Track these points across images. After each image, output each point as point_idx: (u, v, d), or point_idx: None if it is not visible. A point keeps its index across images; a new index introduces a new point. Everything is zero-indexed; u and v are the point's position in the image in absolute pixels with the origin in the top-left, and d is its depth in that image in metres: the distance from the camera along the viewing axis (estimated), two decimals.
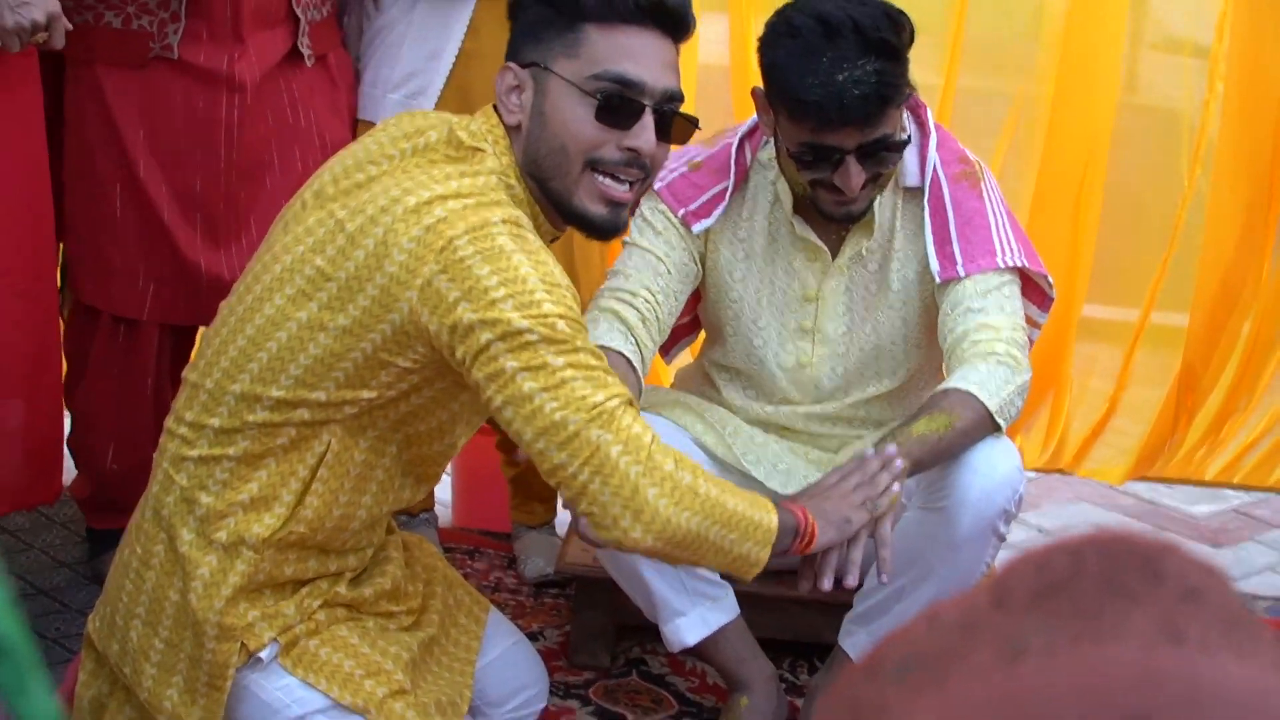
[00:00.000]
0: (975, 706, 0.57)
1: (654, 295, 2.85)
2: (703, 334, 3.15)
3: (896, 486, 2.44)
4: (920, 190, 2.87)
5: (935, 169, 2.85)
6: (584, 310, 3.31)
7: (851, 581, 2.40)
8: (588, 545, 2.88)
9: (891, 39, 2.62)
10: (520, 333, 2.11)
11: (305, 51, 3.12)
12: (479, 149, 2.28)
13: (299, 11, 3.09)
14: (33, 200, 2.99)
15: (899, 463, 2.46)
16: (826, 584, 2.40)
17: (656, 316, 2.85)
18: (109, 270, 3.08)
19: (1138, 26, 3.85)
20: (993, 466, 2.66)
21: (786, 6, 2.71)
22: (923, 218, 2.86)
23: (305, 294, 2.24)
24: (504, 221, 2.17)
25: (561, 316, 2.14)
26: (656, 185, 2.88)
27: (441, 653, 2.55)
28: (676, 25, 2.32)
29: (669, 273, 2.88)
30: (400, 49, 3.25)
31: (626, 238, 2.88)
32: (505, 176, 2.27)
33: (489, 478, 3.63)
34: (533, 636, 3.25)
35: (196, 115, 3.01)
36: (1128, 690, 0.55)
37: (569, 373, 2.13)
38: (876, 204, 2.85)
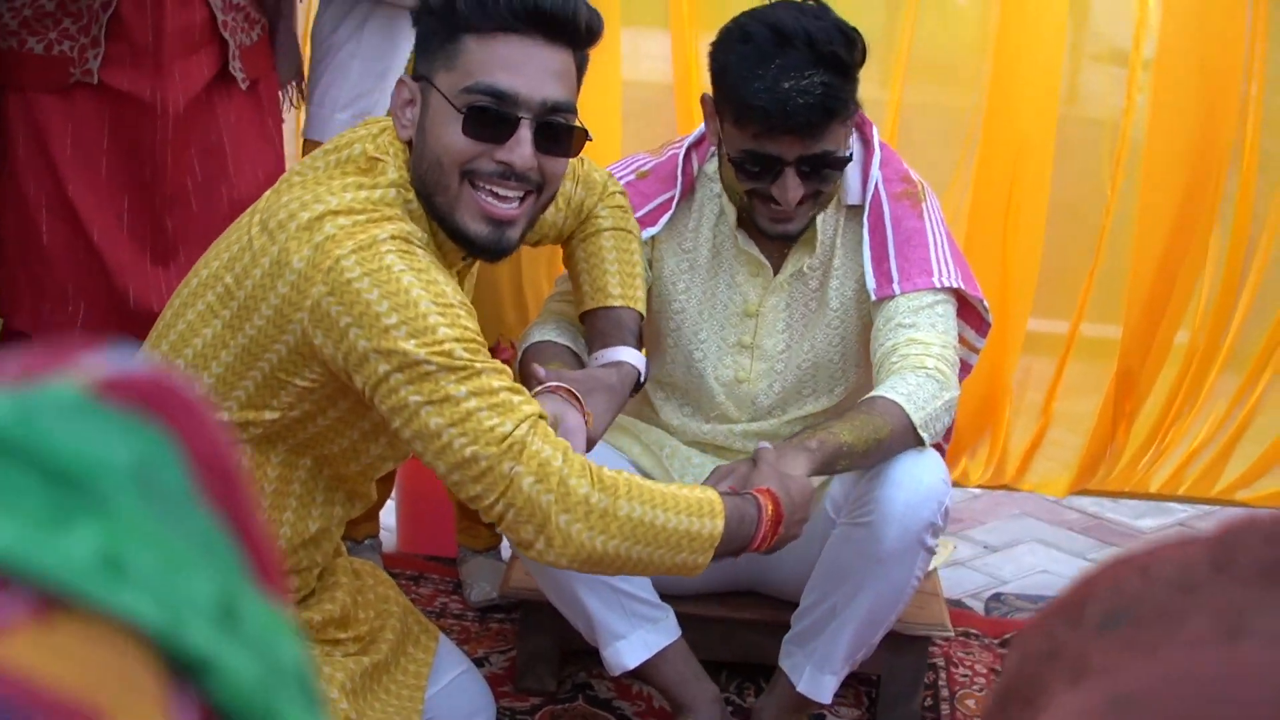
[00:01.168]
0: (1191, 682, 0.54)
1: None
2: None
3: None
4: (860, 208, 2.88)
5: (877, 186, 2.85)
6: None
7: None
8: (530, 570, 2.90)
9: (843, 54, 2.63)
10: (417, 364, 2.08)
11: (238, 75, 3.11)
12: (380, 159, 2.24)
13: (226, 35, 3.08)
14: None
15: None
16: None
17: None
18: (39, 294, 3.05)
19: (1077, 38, 3.87)
20: (917, 480, 2.67)
21: (742, 14, 2.73)
22: (862, 235, 2.86)
23: (213, 310, 2.23)
24: (392, 238, 2.14)
25: (458, 340, 2.10)
26: None
27: (390, 680, 2.53)
28: (563, 31, 2.22)
29: None
30: (348, 68, 3.26)
31: None
32: (404, 190, 2.23)
33: (434, 502, 3.62)
34: (479, 662, 3.24)
35: (122, 140, 2.99)
36: None
37: (473, 403, 2.10)
38: (819, 221, 2.85)
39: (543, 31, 2.20)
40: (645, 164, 2.94)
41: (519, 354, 2.79)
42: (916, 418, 2.64)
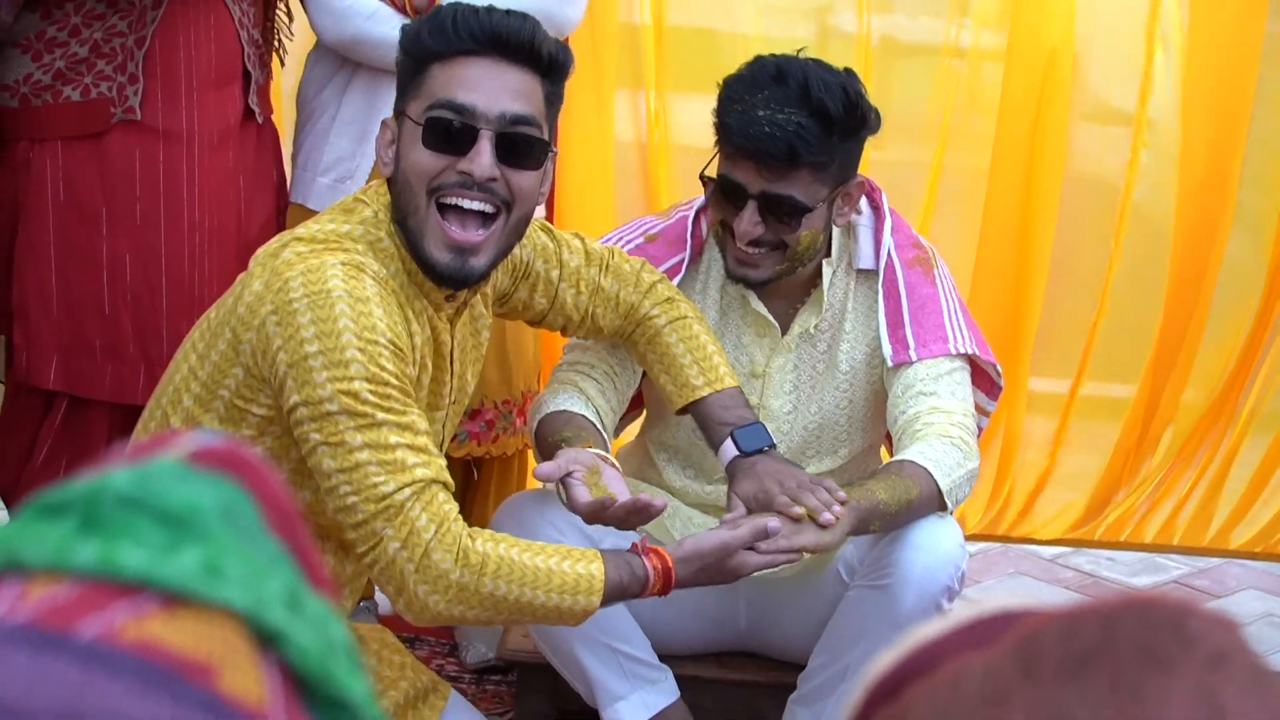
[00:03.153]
0: None
1: (612, 368, 2.87)
2: (645, 412, 3.14)
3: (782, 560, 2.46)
4: (872, 273, 2.89)
5: (890, 253, 2.86)
6: (540, 385, 3.32)
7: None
8: (529, 632, 2.88)
9: (833, 109, 2.63)
10: (321, 401, 2.14)
11: (255, 109, 3.12)
12: (361, 200, 2.33)
13: (250, 68, 3.09)
14: None
15: (773, 523, 2.43)
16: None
17: (615, 388, 2.87)
18: (67, 351, 3.03)
19: (1078, 98, 3.89)
20: (935, 543, 2.65)
21: (762, 55, 2.77)
22: (875, 300, 2.86)
23: (194, 345, 2.30)
24: (343, 264, 2.20)
25: (369, 379, 2.14)
26: None
27: None
28: (520, 53, 2.32)
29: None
30: (329, 133, 3.27)
31: None
32: (376, 229, 2.30)
33: None
34: None
35: (158, 177, 2.99)
36: None
37: (364, 455, 2.15)
38: (827, 282, 2.85)
39: (502, 53, 2.31)
40: (653, 227, 2.94)
41: (533, 428, 2.78)
42: (943, 484, 2.63)
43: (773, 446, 2.69)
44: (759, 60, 2.73)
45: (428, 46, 2.30)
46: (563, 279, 2.69)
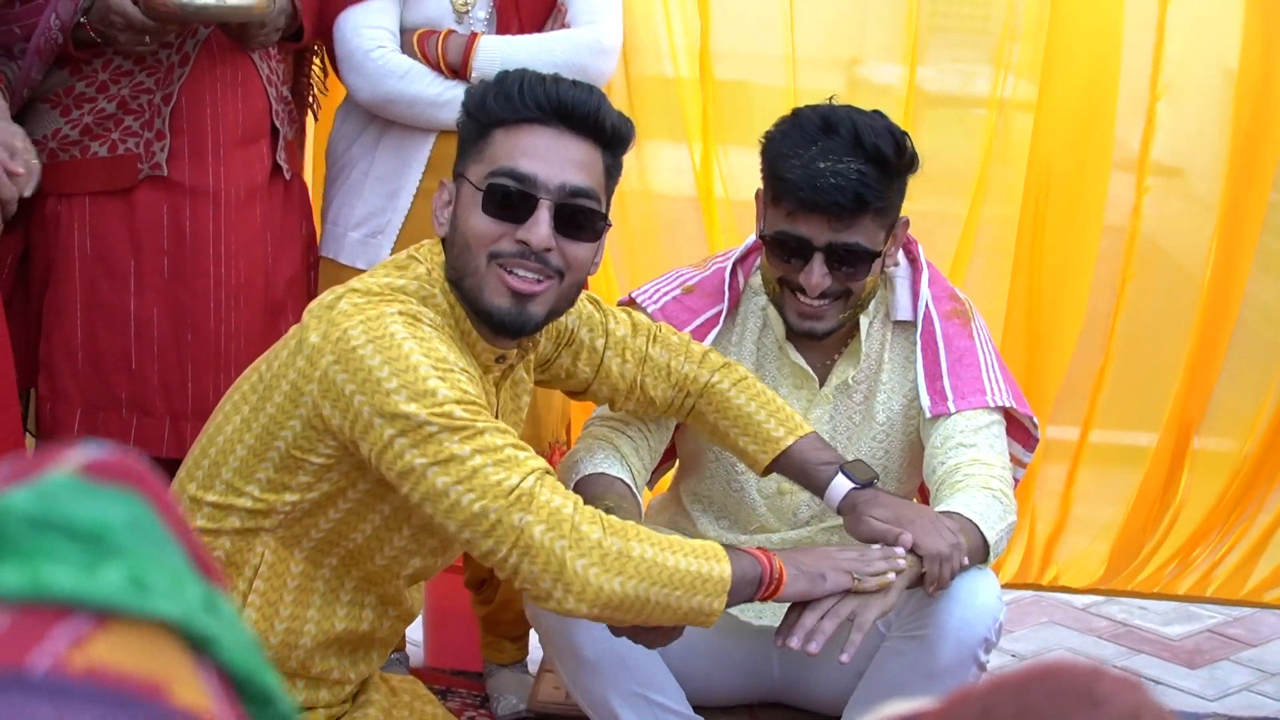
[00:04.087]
0: None
1: (645, 423, 2.86)
2: (678, 464, 3.13)
3: (891, 576, 2.41)
4: (909, 324, 2.89)
5: (928, 305, 2.86)
6: (569, 444, 3.32)
7: (815, 648, 2.37)
8: (560, 683, 2.87)
9: (886, 150, 2.65)
10: (420, 426, 2.12)
11: (284, 166, 3.14)
12: (415, 258, 2.34)
13: (278, 123, 3.11)
14: None
15: (901, 561, 2.44)
16: (795, 642, 2.38)
17: (648, 445, 2.87)
18: (91, 405, 3.05)
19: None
20: (973, 595, 2.63)
21: (800, 107, 2.78)
22: (913, 352, 2.87)
23: (245, 398, 2.30)
24: (400, 314, 2.21)
25: (458, 402, 2.14)
26: (649, 308, 2.89)
27: None
28: (585, 125, 2.33)
29: None
30: (360, 188, 3.28)
31: None
32: (430, 285, 2.31)
33: (460, 616, 3.60)
34: None
35: (185, 233, 3.00)
36: None
37: (478, 460, 2.13)
38: (864, 334, 2.86)
39: (566, 124, 2.32)
40: (691, 279, 2.95)
41: (568, 481, 2.76)
42: (990, 537, 2.60)
43: (878, 479, 2.70)
44: (801, 113, 2.73)
45: (493, 112, 2.31)
46: (608, 348, 2.70)
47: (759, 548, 2.38)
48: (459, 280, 2.31)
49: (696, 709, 2.88)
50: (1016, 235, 3.68)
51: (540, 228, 2.28)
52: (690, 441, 3.01)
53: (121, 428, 3.04)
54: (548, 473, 2.19)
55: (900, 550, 2.46)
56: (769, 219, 2.75)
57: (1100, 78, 3.61)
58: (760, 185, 2.80)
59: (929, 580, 2.48)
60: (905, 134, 2.72)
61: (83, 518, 0.59)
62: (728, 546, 2.33)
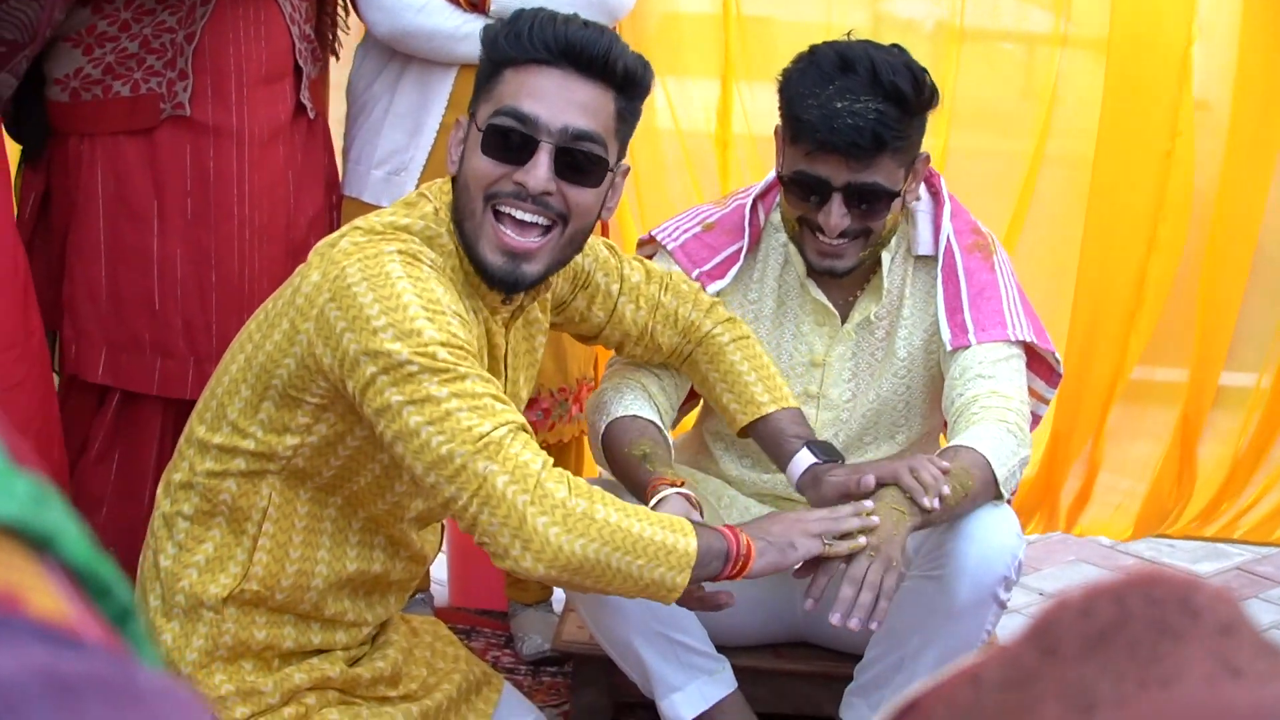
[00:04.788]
0: None
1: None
2: (701, 403, 3.12)
3: (862, 539, 2.38)
4: (930, 259, 2.87)
5: (949, 239, 2.84)
6: (595, 381, 3.31)
7: (856, 625, 2.35)
8: (584, 622, 2.87)
9: (904, 88, 2.62)
10: (402, 364, 2.10)
11: (307, 104, 3.12)
12: (424, 195, 2.32)
13: (301, 63, 3.09)
14: (7, 262, 2.86)
15: (874, 518, 2.40)
16: (809, 605, 2.37)
17: (675, 382, 2.86)
18: (115, 347, 3.04)
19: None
20: (990, 533, 2.61)
21: (817, 44, 2.74)
22: (934, 286, 2.85)
23: (250, 336, 2.30)
24: (399, 252, 2.19)
25: (444, 344, 2.12)
26: (669, 245, 2.86)
27: None
28: (594, 66, 2.28)
29: None
30: (382, 126, 3.26)
31: None
32: (436, 225, 2.29)
33: (484, 557, 3.58)
34: None
35: (208, 174, 2.99)
36: None
37: (453, 404, 2.10)
38: (885, 269, 2.84)
39: (575, 65, 2.28)
40: (710, 215, 2.93)
41: (598, 429, 2.76)
42: (1000, 473, 2.59)
43: (843, 461, 2.67)
44: (817, 51, 2.70)
45: (503, 51, 2.29)
46: (623, 293, 2.68)
47: (726, 525, 2.34)
48: (460, 222, 2.29)
49: (719, 649, 2.88)
50: (1092, 170, 3.65)
51: (539, 170, 2.25)
52: (715, 407, 2.98)
53: (145, 370, 3.03)
54: (523, 429, 2.16)
55: (868, 504, 2.42)
56: (787, 158, 2.72)
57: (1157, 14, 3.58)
58: (779, 122, 2.77)
59: (923, 490, 2.44)
60: (924, 70, 2.69)
61: None
62: (695, 522, 2.30)
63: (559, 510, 2.12)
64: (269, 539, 2.31)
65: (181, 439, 2.37)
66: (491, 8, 3.10)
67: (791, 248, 2.87)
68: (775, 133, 2.81)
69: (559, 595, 3.50)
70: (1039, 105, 3.69)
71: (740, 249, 2.88)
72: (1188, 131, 3.63)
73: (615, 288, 2.67)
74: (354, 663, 2.45)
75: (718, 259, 2.88)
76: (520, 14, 2.33)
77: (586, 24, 2.31)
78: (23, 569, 0.53)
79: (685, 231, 2.90)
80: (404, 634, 2.55)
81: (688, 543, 2.21)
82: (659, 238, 2.92)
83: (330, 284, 2.16)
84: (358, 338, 2.11)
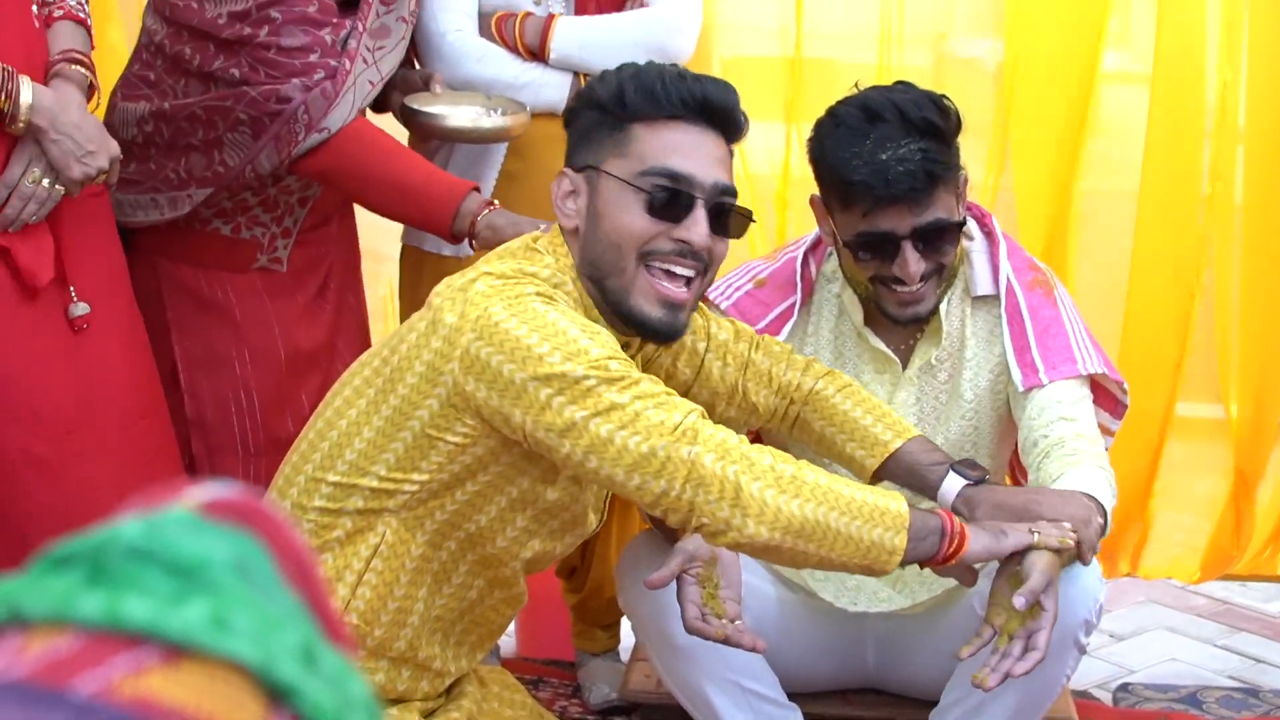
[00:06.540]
0: None
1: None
2: None
3: (1071, 538, 2.36)
4: (990, 298, 2.84)
5: (1009, 278, 2.81)
6: None
7: (994, 683, 2.33)
8: (652, 672, 2.84)
9: (935, 120, 2.61)
10: (578, 380, 2.13)
11: None
12: (534, 250, 2.34)
13: None
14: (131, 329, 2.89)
15: (1071, 533, 2.38)
16: (966, 653, 2.36)
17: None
18: (217, 448, 3.08)
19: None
20: (1073, 577, 2.55)
21: (832, 105, 2.72)
22: (998, 326, 2.82)
23: (368, 382, 2.31)
24: (538, 294, 2.22)
25: (611, 357, 2.16)
26: (722, 304, 2.86)
27: None
28: (723, 122, 2.35)
29: None
30: None
31: None
32: (560, 274, 2.32)
33: (551, 605, 3.58)
34: None
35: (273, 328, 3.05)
36: None
37: (639, 405, 2.14)
38: (943, 311, 2.81)
39: (707, 121, 2.35)
40: (762, 271, 2.91)
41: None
42: (1109, 522, 2.54)
43: (988, 474, 2.63)
44: (837, 111, 2.68)
45: (633, 106, 2.32)
46: (709, 350, 2.67)
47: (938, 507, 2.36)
48: (601, 279, 2.33)
49: (790, 696, 2.85)
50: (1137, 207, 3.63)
51: (700, 227, 2.31)
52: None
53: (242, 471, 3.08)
54: (704, 415, 2.20)
55: (1067, 526, 2.39)
56: (842, 224, 2.69)
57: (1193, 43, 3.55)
58: (815, 193, 2.75)
59: (1086, 548, 2.41)
60: (943, 95, 2.69)
61: (183, 552, 0.59)
62: (908, 501, 2.30)
63: (770, 474, 2.17)
64: (376, 575, 2.32)
65: (281, 480, 2.37)
66: (552, 57, 3.10)
67: (846, 297, 2.85)
68: (812, 203, 2.79)
69: (626, 644, 3.47)
70: (1094, 140, 3.66)
71: (794, 304, 2.87)
72: (1228, 176, 3.60)
73: (701, 345, 2.67)
74: (429, 715, 2.43)
75: (771, 315, 2.86)
76: (639, 69, 2.37)
77: (713, 79, 2.38)
78: (240, 705, 0.57)
79: (737, 289, 2.89)
80: (475, 685, 2.54)
81: (900, 505, 2.24)
82: (711, 296, 2.90)
83: (473, 324, 2.18)
84: (521, 367, 2.14)
